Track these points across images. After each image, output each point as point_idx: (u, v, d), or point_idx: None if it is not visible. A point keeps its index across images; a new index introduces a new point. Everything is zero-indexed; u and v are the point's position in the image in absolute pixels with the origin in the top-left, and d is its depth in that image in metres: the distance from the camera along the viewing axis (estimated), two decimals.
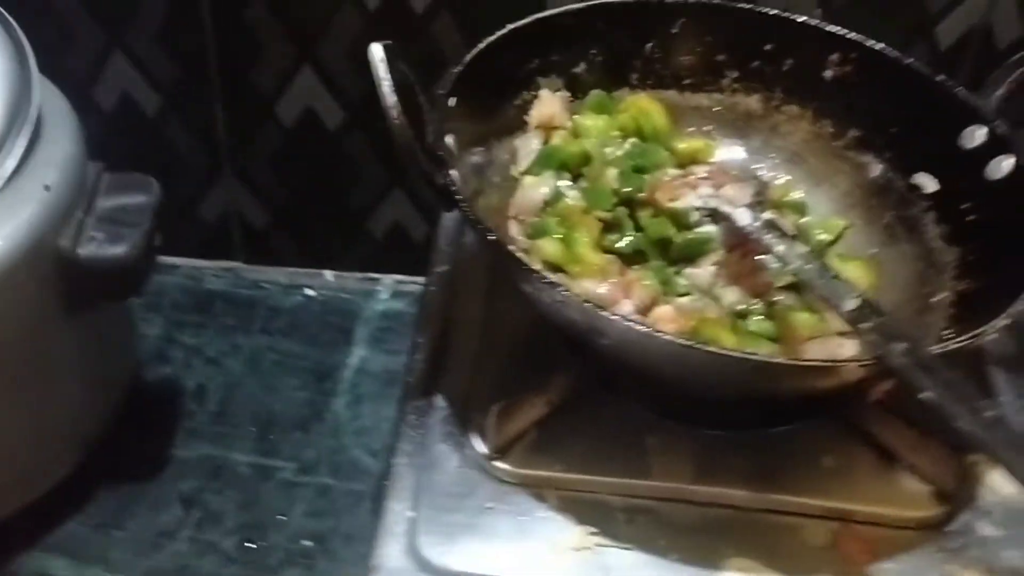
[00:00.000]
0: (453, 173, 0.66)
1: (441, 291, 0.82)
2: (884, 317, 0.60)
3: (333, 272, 1.06)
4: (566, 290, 0.59)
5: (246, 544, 0.83)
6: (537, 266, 0.71)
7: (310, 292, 1.04)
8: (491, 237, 0.61)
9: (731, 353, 0.57)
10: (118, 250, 0.73)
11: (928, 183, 0.74)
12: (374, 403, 0.93)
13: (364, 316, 1.02)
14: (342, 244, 1.05)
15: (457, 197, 0.64)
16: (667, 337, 0.57)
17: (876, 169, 0.77)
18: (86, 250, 0.72)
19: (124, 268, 0.73)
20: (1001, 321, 0.59)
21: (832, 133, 0.79)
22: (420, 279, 1.06)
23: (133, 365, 0.92)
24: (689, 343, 0.56)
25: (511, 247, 0.62)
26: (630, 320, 0.58)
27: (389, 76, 0.61)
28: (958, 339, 0.58)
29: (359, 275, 1.05)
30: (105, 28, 0.93)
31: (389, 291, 1.05)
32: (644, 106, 0.78)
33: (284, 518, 0.84)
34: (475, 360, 0.76)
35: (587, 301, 0.58)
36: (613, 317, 0.57)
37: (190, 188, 1.02)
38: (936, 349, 0.58)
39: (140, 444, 0.88)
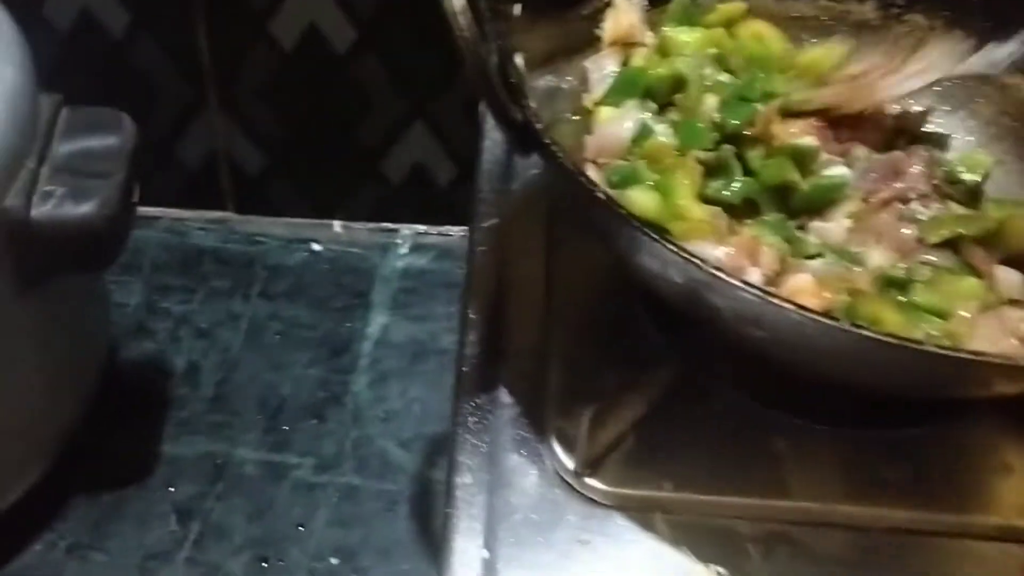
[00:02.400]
0: (533, 106, 0.50)
1: (491, 252, 0.67)
2: None
3: (342, 223, 0.93)
4: (713, 267, 0.43)
5: (260, 563, 0.70)
6: None
7: (316, 247, 0.90)
8: (598, 194, 0.45)
9: (953, 353, 0.42)
10: (83, 209, 0.59)
11: None
12: (401, 381, 0.80)
13: (382, 275, 0.88)
14: (353, 189, 0.91)
15: (545, 139, 0.48)
16: (859, 332, 0.41)
17: None
18: (41, 211, 0.59)
19: (92, 232, 0.59)
20: None
21: (970, 49, 0.65)
22: (446, 229, 0.92)
23: (107, 343, 0.77)
24: (892, 339, 0.42)
25: (622, 209, 0.46)
26: (792, 305, 0.43)
27: None
28: None
29: (373, 226, 0.93)
30: None
31: (409, 244, 0.91)
32: (756, 29, 0.63)
33: (303, 529, 0.72)
34: (542, 340, 0.62)
35: (747, 284, 0.42)
36: (780, 303, 0.42)
37: (168, 125, 0.88)
38: None
39: (121, 442, 0.75)
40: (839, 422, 0.57)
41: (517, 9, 0.56)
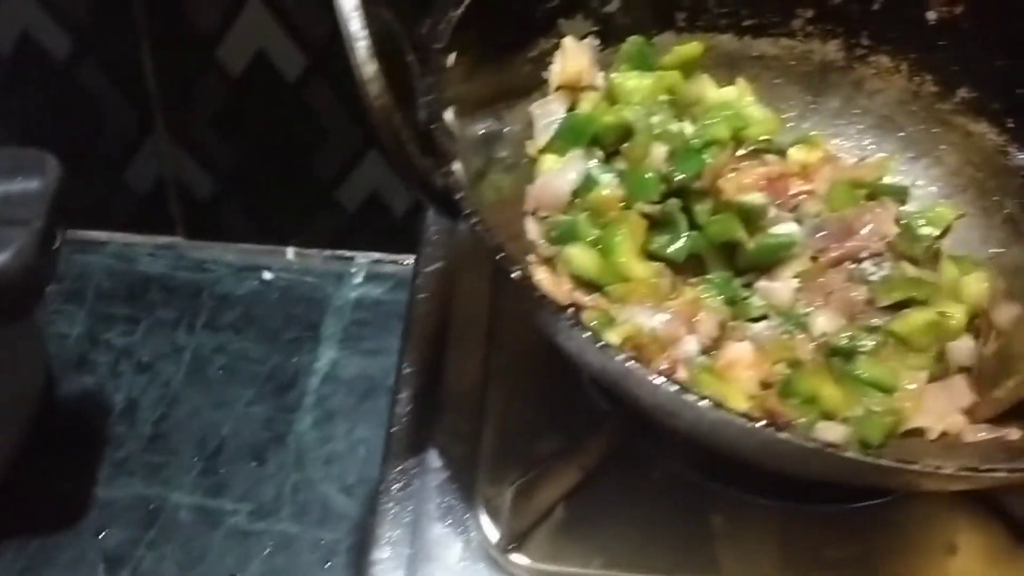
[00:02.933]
0: (456, 168, 0.47)
1: (433, 298, 0.64)
2: None
3: (296, 249, 0.90)
4: (634, 362, 0.40)
5: None
6: (566, 283, 0.53)
7: (267, 275, 0.88)
8: (514, 275, 0.43)
9: (861, 459, 0.40)
10: None
11: None
12: (348, 421, 0.79)
13: (335, 305, 0.86)
14: (307, 216, 0.90)
15: (464, 207, 0.45)
16: (775, 435, 0.39)
17: (994, 142, 0.63)
18: None
19: (7, 282, 0.56)
20: None
21: (935, 93, 0.64)
22: (401, 258, 0.90)
23: (41, 380, 0.75)
24: (805, 442, 0.39)
25: (544, 290, 0.44)
26: (708, 403, 0.40)
27: (366, 32, 0.42)
28: None
29: (328, 253, 0.91)
30: None
31: (364, 272, 0.89)
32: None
33: None
34: (480, 394, 0.60)
35: (664, 377, 0.40)
36: (695, 401, 0.40)
37: (115, 150, 0.86)
38: None
39: (52, 483, 0.74)
40: (780, 495, 0.54)
41: (451, 59, 0.53)
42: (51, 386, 0.77)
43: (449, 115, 0.52)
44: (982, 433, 0.51)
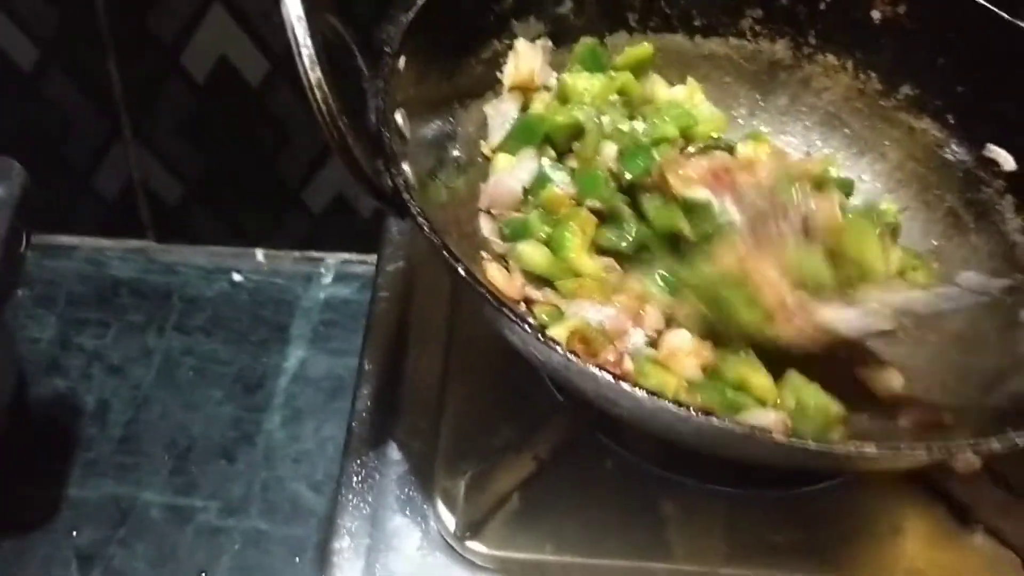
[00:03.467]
0: (406, 169, 0.48)
1: (393, 298, 0.66)
2: None
3: (265, 251, 0.91)
4: (573, 356, 0.42)
5: None
6: (518, 279, 0.54)
7: (237, 277, 0.88)
8: (460, 271, 0.44)
9: (787, 442, 0.41)
10: None
11: (1005, 158, 0.61)
12: (316, 419, 0.79)
13: (303, 306, 0.86)
14: (275, 218, 0.90)
15: (410, 207, 0.46)
16: (708, 420, 0.41)
17: (936, 137, 0.64)
18: None
19: None
20: None
21: (880, 90, 0.66)
22: (369, 257, 0.91)
23: (13, 382, 0.75)
24: (734, 426, 0.41)
25: (487, 287, 0.45)
26: (644, 393, 0.42)
27: (309, 41, 0.44)
28: None
29: (297, 254, 0.91)
30: None
31: (333, 273, 0.90)
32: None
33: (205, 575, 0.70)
34: (439, 391, 0.61)
35: (603, 369, 0.41)
36: (631, 389, 0.41)
37: (83, 157, 0.86)
38: None
39: (24, 484, 0.74)
40: (728, 482, 0.56)
41: (402, 63, 0.54)
42: (23, 389, 0.77)
43: (399, 117, 0.53)
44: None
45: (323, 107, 0.44)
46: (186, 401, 0.79)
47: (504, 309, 0.43)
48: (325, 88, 0.44)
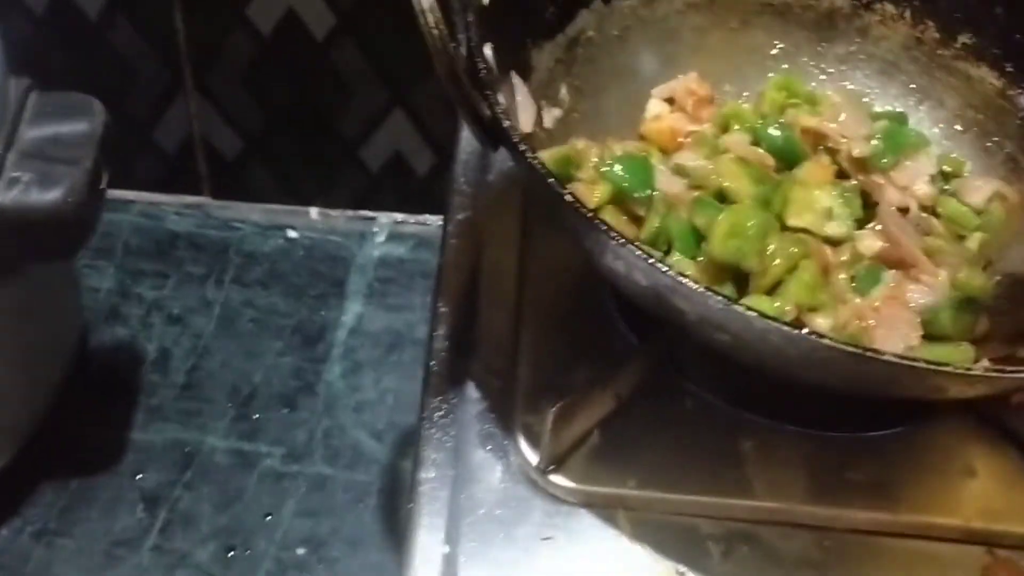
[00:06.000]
0: (499, 99, 0.49)
1: (464, 244, 0.66)
2: None
3: (319, 210, 0.92)
4: (678, 272, 0.42)
5: (227, 553, 0.69)
6: None
7: (292, 234, 0.89)
8: (566, 196, 0.45)
9: (898, 361, 0.42)
10: (52, 195, 0.59)
11: None
12: (375, 371, 0.80)
13: (358, 263, 0.87)
14: (330, 176, 0.90)
15: (512, 137, 0.47)
16: (820, 340, 0.41)
17: (994, 86, 0.65)
18: (7, 197, 0.58)
19: (61, 219, 0.58)
20: None
21: (937, 39, 0.66)
22: (424, 218, 0.92)
23: (78, 329, 0.77)
24: (844, 346, 0.41)
25: (590, 211, 0.45)
26: (755, 313, 0.42)
27: None
28: None
29: (351, 213, 0.92)
30: None
31: (386, 232, 0.90)
32: None
33: (272, 518, 0.71)
34: (512, 334, 0.61)
35: (711, 291, 0.42)
36: (743, 311, 0.42)
37: (144, 109, 0.87)
38: None
39: (89, 428, 0.75)
40: (806, 423, 0.56)
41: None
42: (84, 337, 0.78)
43: (488, 50, 0.54)
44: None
45: (434, 31, 0.45)
46: (247, 351, 0.80)
47: (612, 234, 0.44)
48: (437, 12, 0.45)
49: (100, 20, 0.80)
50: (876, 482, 0.55)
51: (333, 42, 0.81)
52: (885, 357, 0.41)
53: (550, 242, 0.63)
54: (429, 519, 0.53)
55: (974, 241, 0.60)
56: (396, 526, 0.70)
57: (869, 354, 0.42)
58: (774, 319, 0.42)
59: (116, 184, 0.85)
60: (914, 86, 0.67)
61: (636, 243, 0.44)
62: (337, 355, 0.80)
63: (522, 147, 0.47)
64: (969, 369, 0.42)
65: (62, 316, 0.74)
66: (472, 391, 0.59)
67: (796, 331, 0.41)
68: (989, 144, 0.65)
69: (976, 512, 0.55)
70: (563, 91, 0.62)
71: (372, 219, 0.91)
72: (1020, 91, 0.64)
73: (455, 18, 0.53)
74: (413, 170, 0.88)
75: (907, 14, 0.67)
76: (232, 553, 0.69)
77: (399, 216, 0.91)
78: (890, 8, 0.67)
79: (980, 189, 0.63)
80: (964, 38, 0.65)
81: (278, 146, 0.88)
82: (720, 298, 0.42)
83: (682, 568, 0.52)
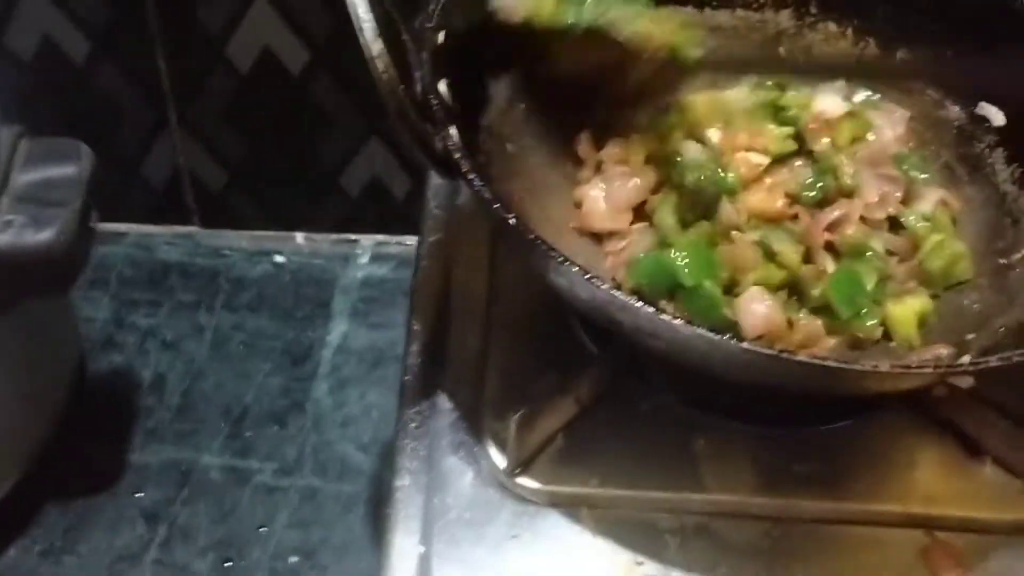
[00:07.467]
0: (452, 133, 0.53)
1: (436, 265, 0.70)
2: None
3: (304, 234, 0.95)
4: (614, 289, 0.47)
5: (224, 564, 0.73)
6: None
7: (279, 259, 0.93)
8: (511, 221, 0.49)
9: (810, 362, 0.46)
10: (44, 236, 0.62)
11: (995, 115, 0.65)
12: (360, 387, 0.83)
13: (342, 284, 0.91)
14: (313, 203, 0.94)
15: (462, 166, 0.51)
16: (740, 345, 0.45)
17: (931, 98, 0.68)
18: (3, 239, 0.62)
19: (53, 257, 0.62)
20: None
21: (877, 55, 0.69)
22: (404, 239, 0.95)
23: (76, 357, 0.80)
24: (762, 349, 0.45)
25: (533, 233, 0.50)
26: (681, 321, 0.46)
27: (370, 15, 0.48)
28: None
29: (335, 237, 0.96)
30: None
31: (369, 254, 0.94)
32: None
33: (265, 530, 0.75)
34: (481, 348, 0.64)
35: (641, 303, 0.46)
36: (669, 319, 0.46)
37: (132, 146, 0.91)
38: None
39: (90, 451, 0.79)
40: (756, 421, 0.60)
41: (440, 37, 0.58)
42: (83, 364, 0.82)
43: (443, 86, 0.57)
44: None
45: (384, 76, 0.49)
46: (238, 372, 0.83)
47: (553, 254, 0.48)
48: (387, 58, 0.49)
49: (86, 64, 0.84)
50: (822, 474, 0.58)
51: (309, 76, 0.85)
52: (798, 358, 0.45)
53: (516, 261, 0.67)
54: (405, 523, 0.56)
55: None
56: (382, 533, 0.73)
57: (784, 355, 0.45)
58: (697, 325, 0.46)
59: (108, 217, 0.89)
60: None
61: (571, 260, 0.48)
62: (324, 373, 0.84)
63: (471, 176, 0.51)
64: (876, 366, 0.45)
65: (61, 346, 0.78)
66: (444, 402, 0.62)
67: (717, 336, 0.45)
68: (927, 153, 0.67)
69: (916, 498, 0.58)
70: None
71: (355, 242, 0.94)
72: (955, 102, 0.67)
73: (410, 58, 0.57)
74: (392, 194, 0.92)
75: (848, 32, 0.70)
76: (229, 564, 0.73)
77: (381, 238, 0.95)
78: (832, 27, 0.70)
79: (926, 198, 0.66)
80: (902, 54, 0.68)
81: (262, 176, 0.92)
82: (649, 308, 0.46)
83: (641, 559, 0.55)
